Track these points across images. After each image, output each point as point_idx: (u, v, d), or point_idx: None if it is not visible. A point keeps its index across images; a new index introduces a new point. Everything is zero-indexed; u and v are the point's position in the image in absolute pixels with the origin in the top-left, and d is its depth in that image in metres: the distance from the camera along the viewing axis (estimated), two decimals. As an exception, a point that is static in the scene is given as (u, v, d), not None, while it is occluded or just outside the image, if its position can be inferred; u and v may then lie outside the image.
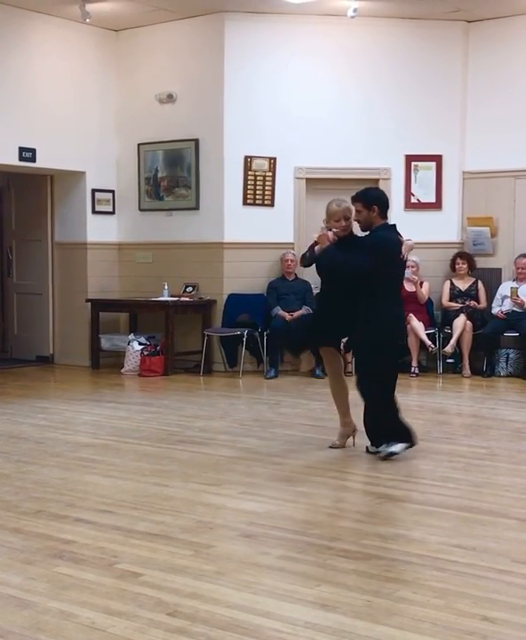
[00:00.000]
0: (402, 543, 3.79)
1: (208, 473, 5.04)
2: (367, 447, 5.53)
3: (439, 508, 4.32)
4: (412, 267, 9.13)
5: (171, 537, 3.88)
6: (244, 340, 8.84)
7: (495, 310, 9.03)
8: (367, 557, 3.60)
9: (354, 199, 5.39)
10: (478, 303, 9.16)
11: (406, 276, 9.04)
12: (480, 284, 9.23)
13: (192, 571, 3.46)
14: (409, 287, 9.15)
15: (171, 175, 9.49)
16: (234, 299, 9.18)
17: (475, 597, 3.16)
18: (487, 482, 4.83)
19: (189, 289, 9.30)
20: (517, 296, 8.80)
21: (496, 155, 9.28)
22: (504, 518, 4.14)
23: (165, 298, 9.16)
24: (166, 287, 9.18)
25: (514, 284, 8.93)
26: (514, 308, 8.87)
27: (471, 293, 9.21)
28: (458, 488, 4.68)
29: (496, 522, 4.09)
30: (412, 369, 8.91)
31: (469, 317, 8.95)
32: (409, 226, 9.23)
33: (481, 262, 9.33)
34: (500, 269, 9.35)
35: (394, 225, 5.59)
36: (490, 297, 9.18)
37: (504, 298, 9.03)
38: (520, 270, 8.98)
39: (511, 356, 8.91)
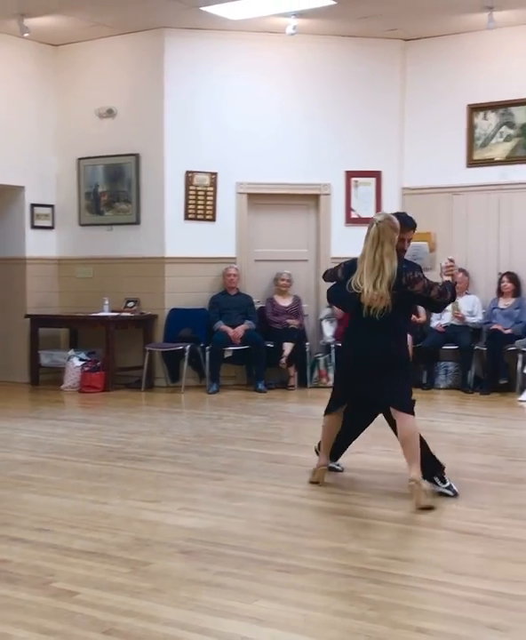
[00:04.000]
0: (340, 556, 3.80)
1: (147, 489, 5.00)
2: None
3: (377, 520, 4.35)
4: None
5: (108, 554, 3.85)
6: (186, 354, 8.82)
7: (434, 324, 9.15)
8: (304, 571, 3.61)
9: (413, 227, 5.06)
10: (417, 317, 9.25)
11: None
12: (419, 298, 9.33)
13: (128, 588, 3.42)
14: (350, 301, 9.25)
15: (111, 190, 9.46)
16: (175, 313, 9.16)
17: (410, 609, 3.19)
18: (424, 494, 4.87)
19: (130, 304, 9.25)
20: (458, 310, 8.92)
21: (433, 171, 9.44)
22: (440, 530, 4.19)
23: (106, 313, 9.11)
24: (106, 302, 9.13)
25: (457, 299, 9.05)
26: (453, 322, 9.00)
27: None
28: (396, 501, 4.71)
29: (432, 533, 4.13)
30: (354, 382, 8.97)
31: (409, 331, 9.02)
32: (349, 241, 9.42)
33: (420, 276, 9.44)
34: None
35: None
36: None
37: (442, 311, 9.14)
38: (457, 285, 9.09)
39: (450, 368, 9.04)
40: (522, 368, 8.47)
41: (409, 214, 5.08)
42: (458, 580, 3.49)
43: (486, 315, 9.05)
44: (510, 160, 9.17)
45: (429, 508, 4.46)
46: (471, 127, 9.30)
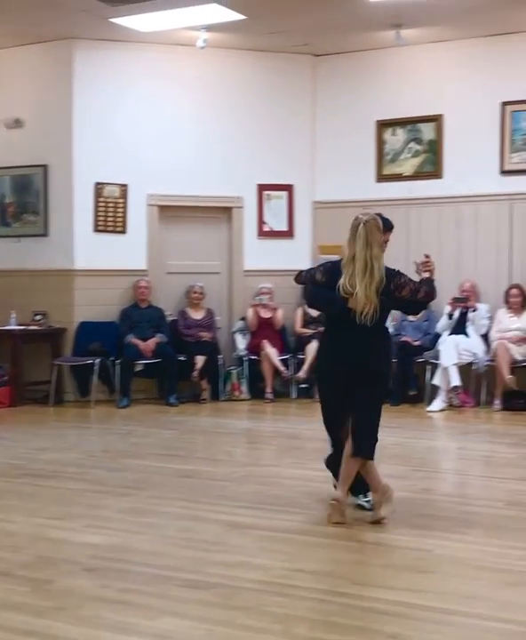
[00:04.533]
0: (246, 570, 3.78)
1: (53, 507, 4.90)
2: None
3: (284, 533, 4.34)
4: (267, 293, 9.26)
5: (10, 574, 3.75)
6: (96, 368, 8.69)
7: (345, 336, 9.22)
8: (210, 586, 3.58)
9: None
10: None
11: (262, 301, 9.22)
12: (331, 311, 9.40)
13: (30, 607, 3.34)
14: (264, 313, 9.28)
15: (18, 201, 9.28)
16: (85, 327, 9.03)
17: (313, 621, 3.19)
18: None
19: (38, 317, 9.07)
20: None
21: (344, 186, 9.54)
22: (346, 541, 4.20)
23: (13, 326, 8.90)
24: (14, 316, 8.91)
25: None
26: (364, 334, 9.08)
27: (323, 320, 9.37)
28: (305, 513, 4.72)
29: (338, 545, 4.14)
30: (266, 394, 8.99)
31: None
32: (262, 253, 9.53)
33: (331, 289, 9.52)
34: (350, 296, 9.56)
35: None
36: (341, 323, 9.37)
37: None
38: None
39: (361, 380, 9.11)
40: (431, 379, 8.60)
41: (385, 216, 4.80)
42: (361, 590, 3.51)
43: (396, 327, 9.16)
44: (418, 175, 9.34)
45: (340, 524, 4.44)
46: (380, 142, 9.44)
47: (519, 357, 8.46)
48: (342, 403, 4.57)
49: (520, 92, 8.77)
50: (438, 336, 8.84)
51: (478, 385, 8.64)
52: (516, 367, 8.42)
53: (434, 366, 8.59)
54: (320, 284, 4.62)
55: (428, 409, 8.37)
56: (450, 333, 8.70)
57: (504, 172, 8.91)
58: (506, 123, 8.88)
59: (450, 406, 8.44)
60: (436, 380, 8.52)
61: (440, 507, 4.88)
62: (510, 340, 8.43)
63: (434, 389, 8.55)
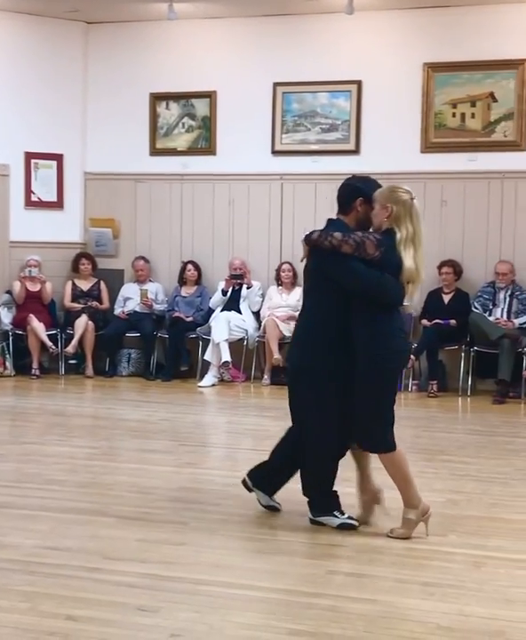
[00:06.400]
0: (-6, 550, 3.64)
1: None
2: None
3: (39, 511, 4.21)
4: (35, 265, 8.94)
5: None
6: None
7: (117, 311, 9.13)
8: (-46, 569, 3.40)
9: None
10: (100, 304, 9.19)
11: (30, 273, 8.88)
12: (102, 285, 9.26)
13: None
14: (31, 286, 8.96)
15: None
16: None
17: (62, 597, 3.11)
18: (92, 482, 4.80)
19: None
20: (147, 298, 8.94)
21: (117, 157, 9.36)
22: (103, 517, 4.13)
23: None
24: None
25: (144, 286, 9.07)
26: (137, 309, 9.02)
27: (93, 294, 9.22)
28: (62, 490, 4.61)
29: (94, 521, 4.07)
30: (33, 370, 8.70)
31: (91, 318, 8.94)
32: (30, 225, 9.19)
33: (103, 263, 9.37)
34: (122, 270, 9.45)
35: (332, 219, 4.10)
36: (113, 298, 9.26)
37: (126, 299, 9.15)
38: (138, 272, 9.16)
39: (133, 355, 9.05)
40: (203, 355, 8.66)
41: None
42: (114, 565, 3.46)
43: (168, 302, 9.16)
44: (192, 151, 9.33)
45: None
46: (154, 116, 9.33)
47: (287, 334, 8.66)
48: None
49: (291, 73, 8.92)
50: (211, 312, 8.91)
51: (248, 360, 8.79)
52: (285, 343, 8.63)
53: (206, 342, 8.65)
54: (368, 260, 3.81)
55: (199, 384, 8.43)
56: (223, 309, 8.79)
57: (275, 152, 9.07)
58: (278, 104, 9.03)
59: (221, 381, 8.54)
60: (208, 356, 8.59)
61: (201, 479, 4.90)
62: (279, 318, 8.62)
63: (206, 365, 8.61)
